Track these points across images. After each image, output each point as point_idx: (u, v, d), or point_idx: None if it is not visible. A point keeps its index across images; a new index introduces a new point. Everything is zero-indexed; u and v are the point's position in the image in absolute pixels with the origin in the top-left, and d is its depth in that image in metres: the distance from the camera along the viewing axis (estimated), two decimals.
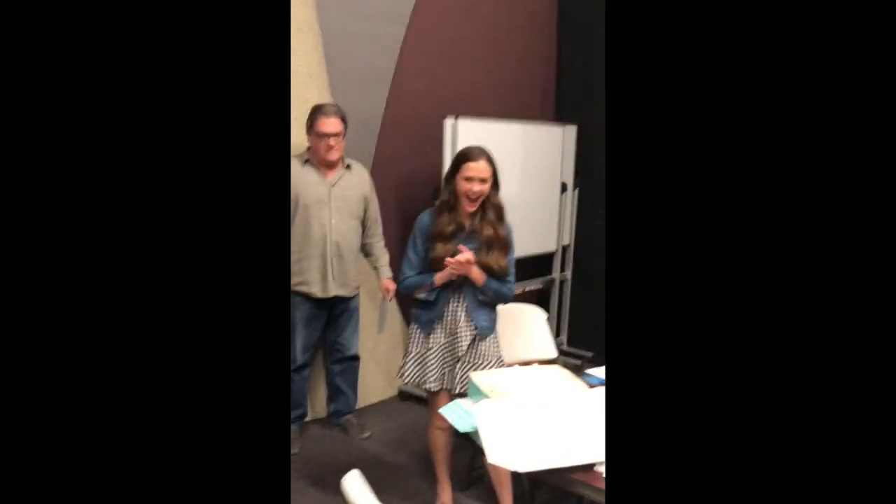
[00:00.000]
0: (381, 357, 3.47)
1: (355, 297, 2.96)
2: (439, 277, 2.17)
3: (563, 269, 4.09)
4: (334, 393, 3.11)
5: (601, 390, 1.65)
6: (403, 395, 3.53)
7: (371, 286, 3.34)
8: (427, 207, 2.35)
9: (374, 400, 3.44)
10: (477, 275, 2.18)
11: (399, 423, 3.22)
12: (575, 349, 4.11)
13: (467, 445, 2.43)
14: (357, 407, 3.19)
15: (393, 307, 3.48)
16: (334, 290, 2.80)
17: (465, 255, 2.11)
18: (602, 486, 1.42)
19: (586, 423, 1.52)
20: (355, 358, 3.07)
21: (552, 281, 4.06)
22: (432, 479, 2.52)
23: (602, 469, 1.46)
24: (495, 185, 2.21)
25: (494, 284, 2.22)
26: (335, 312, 2.94)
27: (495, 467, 2.34)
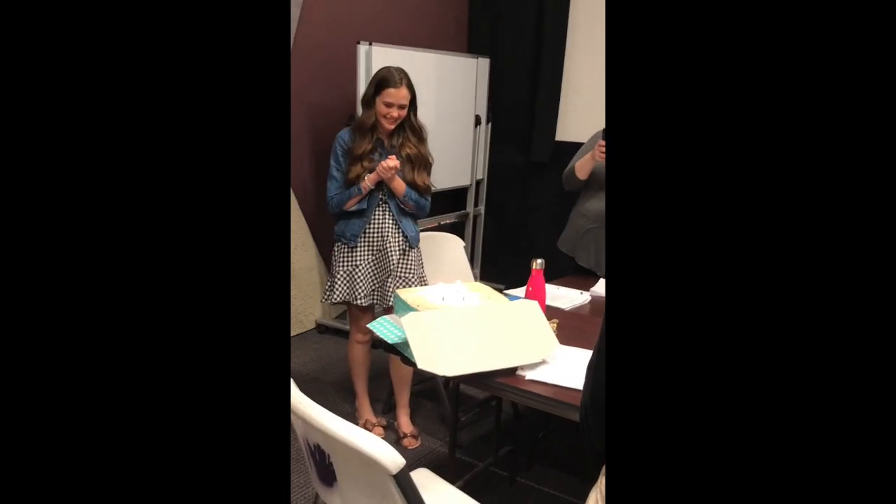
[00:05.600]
0: (294, 290, 3.44)
1: None
2: (370, 179, 2.22)
3: (476, 204, 4.15)
4: None
5: (521, 302, 1.72)
6: (321, 328, 3.52)
7: None
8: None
9: (291, 334, 3.41)
10: (399, 184, 2.26)
11: (319, 356, 3.22)
12: (489, 283, 4.22)
13: (387, 377, 2.48)
14: None
15: (301, 248, 3.43)
16: None
17: (393, 161, 2.17)
18: (524, 387, 1.50)
19: (508, 332, 1.59)
20: None
21: (466, 215, 4.11)
22: (354, 403, 2.56)
23: (524, 373, 1.54)
24: (413, 108, 2.27)
25: (414, 195, 2.31)
26: None
27: (396, 370, 2.43)
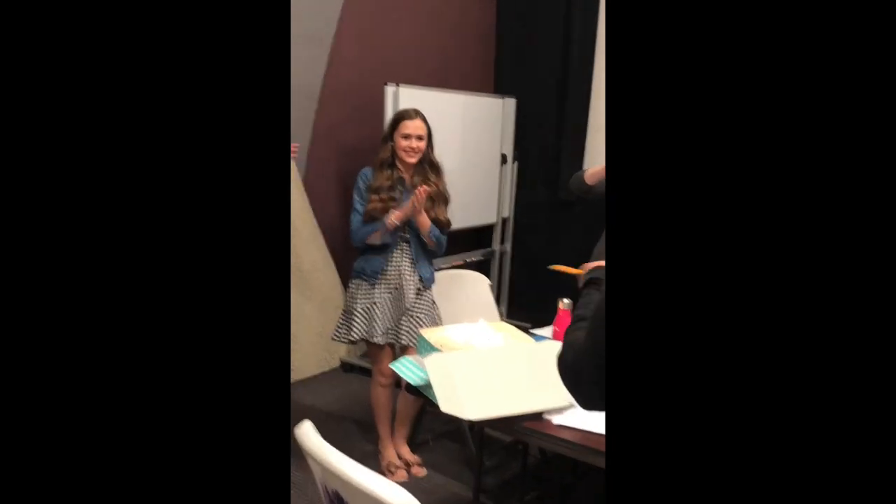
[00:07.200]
0: (321, 327, 3.43)
1: None
2: (396, 216, 2.23)
3: (502, 242, 4.13)
4: None
5: (548, 343, 1.68)
6: (346, 367, 3.50)
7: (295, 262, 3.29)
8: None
9: (316, 372, 3.39)
10: (425, 220, 2.28)
11: (343, 394, 3.19)
12: (514, 321, 4.17)
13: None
14: (298, 379, 3.15)
15: (328, 285, 3.44)
16: None
17: (425, 188, 2.19)
18: (551, 432, 1.45)
19: (534, 373, 1.55)
20: None
21: (492, 253, 4.09)
22: (377, 444, 2.52)
23: (550, 417, 1.49)
24: (430, 144, 2.32)
25: (436, 231, 2.33)
26: None
27: (404, 404, 2.41)
